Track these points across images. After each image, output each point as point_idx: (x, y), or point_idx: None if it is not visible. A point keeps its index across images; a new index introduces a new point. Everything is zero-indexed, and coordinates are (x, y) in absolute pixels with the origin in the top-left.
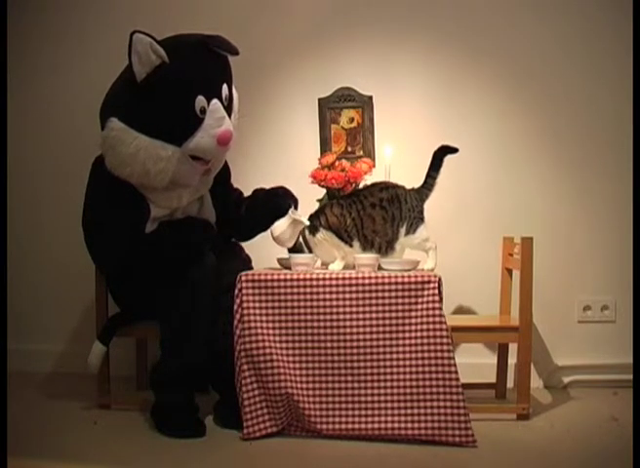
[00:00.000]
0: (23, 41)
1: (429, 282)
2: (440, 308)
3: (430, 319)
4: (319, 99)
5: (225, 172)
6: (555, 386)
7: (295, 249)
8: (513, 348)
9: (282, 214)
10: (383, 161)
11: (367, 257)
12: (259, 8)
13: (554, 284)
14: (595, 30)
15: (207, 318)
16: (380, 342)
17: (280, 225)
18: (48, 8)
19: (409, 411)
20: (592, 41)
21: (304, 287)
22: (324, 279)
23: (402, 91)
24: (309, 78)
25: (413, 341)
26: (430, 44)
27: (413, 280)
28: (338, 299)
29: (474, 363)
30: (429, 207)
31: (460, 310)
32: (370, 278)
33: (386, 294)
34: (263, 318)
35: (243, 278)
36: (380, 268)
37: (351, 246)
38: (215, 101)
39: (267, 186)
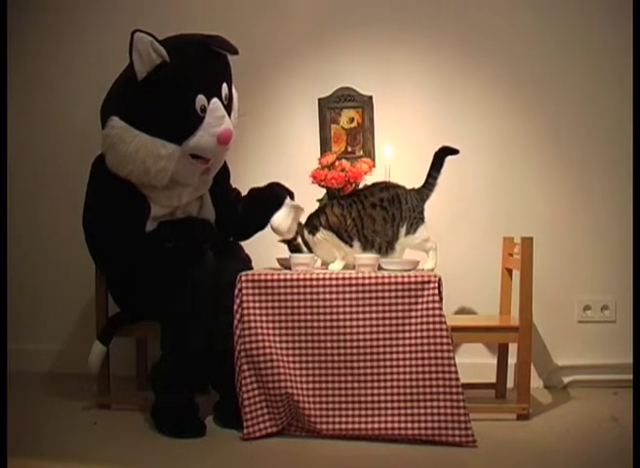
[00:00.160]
0: (23, 41)
1: (429, 282)
2: (440, 308)
3: (430, 319)
4: (319, 99)
5: (225, 172)
6: (555, 386)
7: (294, 248)
8: (513, 348)
9: (279, 204)
10: (383, 161)
11: (367, 257)
12: (259, 8)
13: (554, 284)
14: (595, 30)
15: (207, 318)
16: (380, 342)
17: (279, 215)
18: (48, 8)
19: (409, 411)
20: (592, 41)
21: (304, 287)
22: (324, 279)
23: (402, 91)
24: (309, 78)
25: (413, 341)
26: (430, 44)
27: (413, 280)
28: (338, 299)
29: (474, 363)
30: (429, 207)
31: (460, 310)
32: (370, 278)
33: (386, 294)
34: (263, 318)
35: (243, 278)
36: (380, 268)
37: (351, 246)
38: (215, 100)
39: None
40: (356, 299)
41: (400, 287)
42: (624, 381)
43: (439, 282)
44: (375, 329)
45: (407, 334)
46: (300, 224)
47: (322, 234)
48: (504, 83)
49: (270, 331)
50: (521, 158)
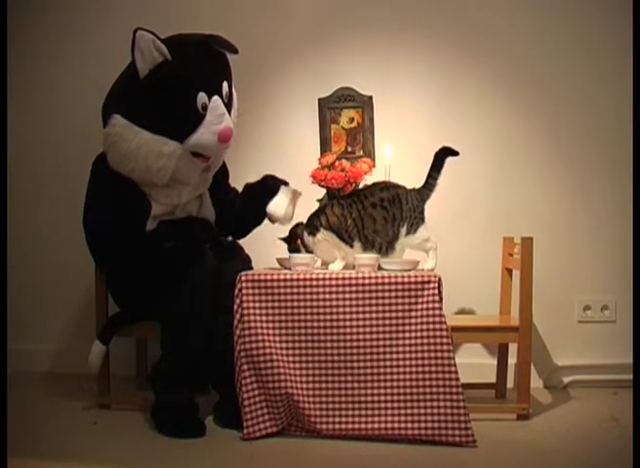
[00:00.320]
0: (23, 41)
1: (429, 282)
2: (440, 308)
3: (430, 319)
4: (319, 99)
5: (224, 172)
6: (555, 386)
7: (293, 249)
8: (513, 348)
9: (274, 192)
10: (383, 161)
11: (367, 257)
12: (259, 8)
13: (554, 284)
14: (595, 30)
15: (207, 318)
16: (380, 342)
17: (275, 201)
18: (48, 8)
19: (409, 411)
20: (592, 41)
21: (304, 287)
22: (324, 279)
23: (402, 91)
24: (309, 78)
25: (413, 341)
26: (430, 44)
27: (413, 280)
28: (338, 299)
29: (474, 363)
30: (430, 207)
31: (461, 310)
32: (370, 278)
33: (386, 294)
34: (263, 318)
35: (243, 278)
36: (380, 268)
37: (352, 246)
38: (216, 98)
39: None
40: (356, 299)
41: (400, 287)
42: (624, 381)
43: (439, 282)
44: (375, 329)
45: (407, 334)
46: (299, 226)
47: (322, 234)
48: (504, 83)
49: (270, 331)
50: (521, 158)
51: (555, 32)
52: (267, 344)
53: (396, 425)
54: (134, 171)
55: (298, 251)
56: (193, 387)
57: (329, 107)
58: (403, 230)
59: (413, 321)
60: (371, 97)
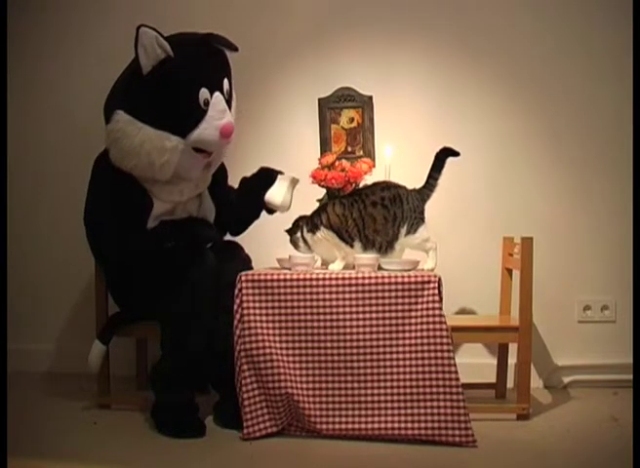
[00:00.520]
0: (23, 41)
1: (429, 282)
2: (440, 308)
3: (430, 319)
4: (319, 99)
5: (223, 172)
6: (555, 386)
7: (293, 240)
8: (513, 348)
9: (271, 182)
10: (383, 161)
11: (367, 258)
12: (259, 8)
13: (554, 284)
14: (595, 30)
15: (207, 318)
16: (380, 342)
17: (277, 190)
18: (48, 8)
19: (409, 411)
20: (592, 41)
21: (304, 287)
22: (324, 279)
23: (402, 91)
24: (309, 78)
25: (413, 341)
26: (430, 44)
27: (413, 280)
28: (338, 299)
29: (474, 363)
30: (430, 207)
31: (461, 310)
32: (370, 278)
33: (386, 294)
34: (263, 318)
35: (243, 278)
36: (380, 268)
37: (352, 246)
38: (217, 94)
39: None
40: (356, 299)
41: (400, 287)
42: (624, 381)
43: (439, 282)
44: (375, 329)
45: (407, 334)
46: (302, 219)
47: (322, 233)
48: (504, 83)
49: (270, 331)
50: (521, 158)
51: (555, 32)
52: (267, 344)
53: (396, 425)
54: (136, 167)
55: (297, 242)
56: (193, 387)
57: (329, 107)
58: (403, 230)
59: (413, 321)
60: (371, 97)
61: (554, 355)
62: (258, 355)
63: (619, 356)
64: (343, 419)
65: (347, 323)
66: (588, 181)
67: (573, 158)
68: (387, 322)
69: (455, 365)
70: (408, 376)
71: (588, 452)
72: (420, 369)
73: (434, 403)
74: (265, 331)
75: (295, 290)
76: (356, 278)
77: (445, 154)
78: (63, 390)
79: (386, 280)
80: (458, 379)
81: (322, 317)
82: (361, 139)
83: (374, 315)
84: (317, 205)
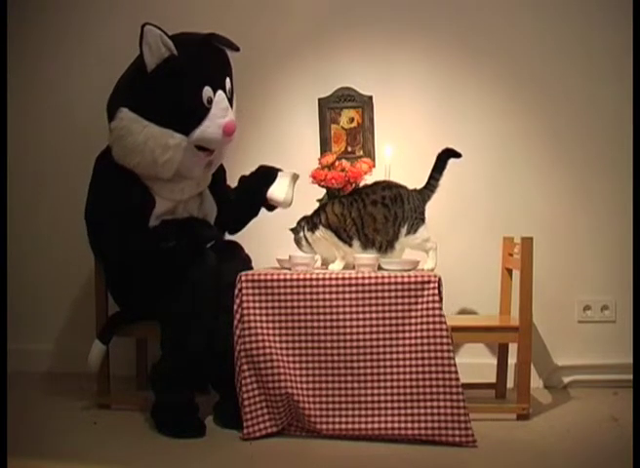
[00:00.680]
0: (23, 41)
1: (429, 282)
2: (440, 308)
3: (430, 319)
4: (319, 99)
5: (222, 171)
6: (555, 386)
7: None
8: (513, 348)
9: (273, 179)
10: (383, 161)
11: (367, 258)
12: (259, 8)
13: (554, 284)
14: (595, 30)
15: (207, 318)
16: (380, 342)
17: (279, 187)
18: (48, 8)
19: (409, 411)
20: (592, 41)
21: (304, 287)
22: (324, 279)
23: (402, 91)
24: (309, 78)
25: (413, 341)
26: (430, 44)
27: (413, 280)
28: (338, 299)
29: (474, 363)
30: (429, 207)
31: (461, 310)
32: (370, 278)
33: (386, 294)
34: (263, 318)
35: (243, 278)
36: (379, 268)
37: (351, 245)
38: (220, 92)
39: None
40: (356, 299)
41: (400, 287)
42: (624, 381)
43: (439, 282)
44: (375, 329)
45: (407, 334)
46: (305, 218)
47: (321, 232)
48: (504, 83)
49: (270, 331)
50: (521, 158)
51: (555, 32)
52: (267, 344)
53: (396, 425)
54: (139, 164)
55: (300, 242)
56: (193, 387)
57: (329, 107)
58: (403, 230)
59: (413, 321)
60: (371, 97)
61: (554, 355)
62: (258, 355)
63: (619, 356)
64: (343, 419)
65: (347, 323)
66: (588, 181)
67: (573, 158)
68: (387, 322)
69: (455, 365)
70: (408, 376)
71: (588, 452)
72: (420, 369)
73: (434, 403)
74: (265, 331)
75: (295, 290)
76: (356, 278)
77: (446, 155)
78: (63, 390)
79: (386, 280)
80: (458, 379)
81: (322, 317)
82: (361, 139)
83: (374, 315)
84: (317, 205)
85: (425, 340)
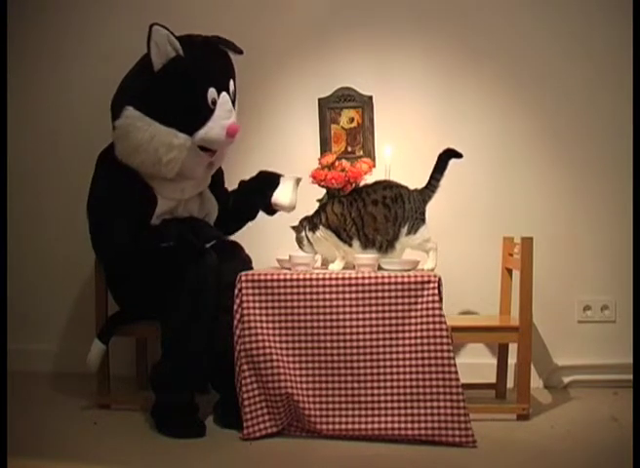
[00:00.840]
0: (23, 41)
1: (429, 282)
2: (440, 308)
3: (430, 319)
4: (319, 99)
5: (220, 174)
6: (555, 386)
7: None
8: (513, 348)
9: (275, 183)
10: (383, 161)
11: (367, 258)
12: (259, 8)
13: (554, 284)
14: (595, 30)
15: (207, 318)
16: (380, 342)
17: (283, 191)
18: (48, 8)
19: (409, 411)
20: (592, 41)
21: (304, 287)
22: (324, 279)
23: (402, 91)
24: (309, 78)
25: (413, 341)
26: (430, 44)
27: (413, 280)
28: (338, 299)
29: (474, 363)
30: (429, 207)
31: (461, 310)
32: (370, 278)
33: (386, 294)
34: (263, 318)
35: (243, 278)
36: (379, 268)
37: (351, 245)
38: (224, 94)
39: None
40: (356, 299)
41: (400, 287)
42: (624, 381)
43: (439, 282)
44: (375, 329)
45: (407, 334)
46: (307, 218)
47: (321, 232)
48: (504, 83)
49: (270, 331)
50: (521, 158)
51: (555, 32)
52: (267, 344)
53: (396, 425)
54: (143, 163)
55: (302, 241)
56: (193, 387)
57: (329, 107)
58: (404, 230)
59: (413, 321)
60: (371, 97)
61: (554, 355)
62: (258, 355)
63: (618, 356)
64: (343, 419)
65: (347, 323)
66: (588, 181)
67: (573, 158)
68: (387, 322)
69: (455, 365)
70: (408, 376)
71: (588, 452)
72: (420, 369)
73: (434, 403)
74: (265, 331)
75: (295, 290)
76: (356, 278)
77: (448, 155)
78: (64, 390)
79: (386, 280)
80: (458, 379)
81: (322, 317)
82: (361, 139)
83: (374, 315)
84: (317, 205)
85: (425, 340)
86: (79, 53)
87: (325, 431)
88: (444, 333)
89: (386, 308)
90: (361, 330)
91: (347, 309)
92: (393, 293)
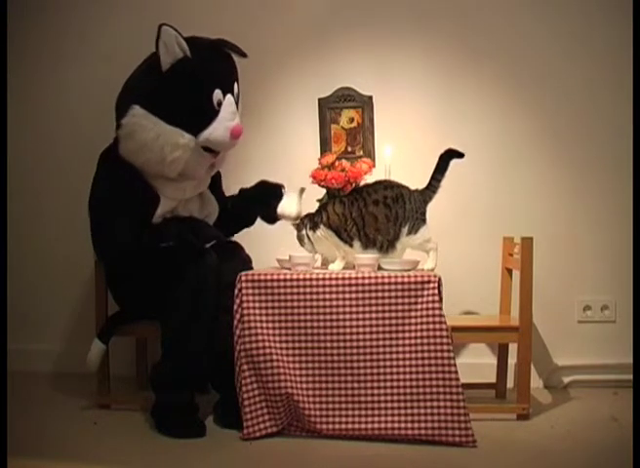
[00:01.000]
0: (23, 41)
1: (429, 282)
2: (440, 308)
3: (430, 319)
4: (319, 99)
5: (218, 177)
6: (555, 386)
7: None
8: (513, 348)
9: (278, 194)
10: (383, 161)
11: (367, 258)
12: (259, 8)
13: (554, 284)
14: (595, 30)
15: (207, 318)
16: (380, 342)
17: (289, 202)
18: (48, 8)
19: (409, 411)
20: (592, 41)
21: (304, 287)
22: (324, 279)
23: (402, 91)
24: (309, 78)
25: (413, 341)
26: (430, 44)
27: (413, 280)
28: (338, 299)
29: (474, 363)
30: (429, 206)
31: (461, 310)
32: (370, 278)
33: (386, 294)
34: (263, 318)
35: (243, 278)
36: (380, 268)
37: (351, 246)
38: (229, 96)
39: None
40: (356, 299)
41: (400, 287)
42: (624, 381)
43: (439, 282)
44: (375, 329)
45: (407, 334)
46: (308, 216)
47: (322, 232)
48: (504, 83)
49: (270, 331)
50: (521, 158)
51: (555, 32)
52: (267, 344)
53: (396, 425)
54: (148, 161)
55: (303, 239)
56: (193, 387)
57: (329, 107)
58: (404, 230)
59: (413, 321)
60: (371, 97)
61: (554, 355)
62: (258, 355)
63: (618, 356)
64: (343, 419)
65: (347, 323)
66: (588, 181)
67: (573, 158)
68: (387, 322)
69: (455, 365)
70: (408, 376)
71: (588, 452)
72: (420, 369)
73: (434, 403)
74: (265, 331)
75: (295, 290)
76: (356, 278)
77: (449, 156)
78: (64, 390)
79: (386, 280)
80: (458, 379)
81: (322, 317)
82: (361, 139)
83: (374, 315)
84: (317, 205)
85: (425, 340)
86: (79, 53)
87: (325, 431)
88: (444, 333)
89: (386, 308)
90: (361, 330)
91: (347, 309)
92: (393, 293)
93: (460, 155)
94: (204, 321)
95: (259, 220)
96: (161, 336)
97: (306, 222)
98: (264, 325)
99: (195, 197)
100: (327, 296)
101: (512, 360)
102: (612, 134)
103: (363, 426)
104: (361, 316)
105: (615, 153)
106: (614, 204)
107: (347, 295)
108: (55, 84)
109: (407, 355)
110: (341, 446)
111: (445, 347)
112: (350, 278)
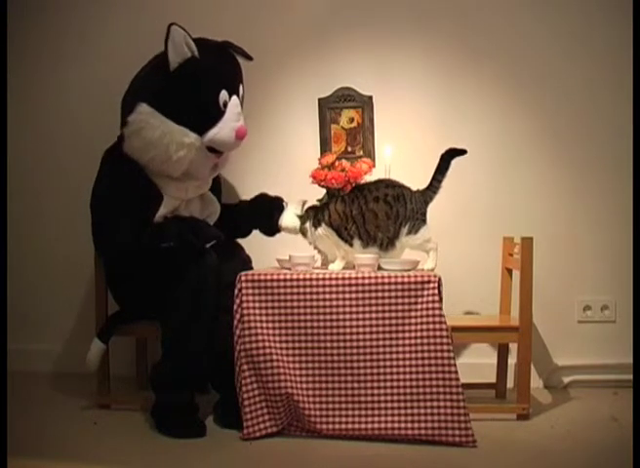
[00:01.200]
0: (24, 41)
1: (429, 282)
2: (440, 308)
3: (430, 319)
4: (319, 99)
5: (218, 183)
6: (555, 386)
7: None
8: (513, 348)
9: (280, 207)
10: (383, 161)
11: (367, 258)
12: (259, 8)
13: (554, 284)
14: (595, 30)
15: (207, 318)
16: (380, 342)
17: (291, 215)
18: (48, 8)
19: (409, 411)
20: (592, 41)
21: (304, 287)
22: (324, 279)
23: (402, 91)
24: (309, 78)
25: (413, 341)
26: (430, 44)
27: (413, 280)
28: (338, 299)
29: (474, 363)
30: (429, 207)
31: (461, 310)
32: (370, 278)
33: (386, 294)
34: (263, 318)
35: (243, 278)
36: (379, 268)
37: (352, 245)
38: (234, 97)
39: (266, 187)
40: (356, 299)
41: (400, 287)
42: (624, 381)
43: (439, 282)
44: (375, 329)
45: (407, 334)
46: (312, 208)
47: (323, 230)
48: (504, 83)
49: (270, 331)
50: (521, 158)
51: (555, 32)
52: (267, 344)
53: (396, 425)
54: (154, 159)
55: (305, 233)
56: (193, 387)
57: (329, 107)
58: (405, 229)
59: (413, 321)
60: (371, 97)
61: (554, 355)
62: (258, 355)
63: (618, 356)
64: (343, 419)
65: (347, 323)
66: (588, 181)
67: (573, 158)
68: (387, 322)
69: (455, 365)
70: (408, 376)
71: (588, 452)
72: (420, 369)
73: (434, 403)
74: (265, 331)
75: (295, 290)
76: (356, 278)
77: (450, 155)
78: (64, 390)
79: (386, 280)
80: (458, 379)
81: (322, 317)
82: (361, 139)
83: (374, 315)
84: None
85: (425, 340)
86: (79, 53)
87: (325, 431)
88: (444, 333)
89: (386, 308)
90: (361, 330)
91: (347, 309)
92: (393, 293)
93: (463, 152)
94: (204, 321)
95: None
96: (161, 336)
97: (311, 214)
98: (264, 325)
99: (197, 198)
100: (327, 296)
101: (512, 360)
102: (612, 134)
103: (363, 426)
104: (361, 316)
105: (615, 153)
106: (614, 204)
107: (347, 295)
108: (55, 84)
109: (407, 355)
110: (341, 446)
111: (445, 347)
112: (350, 278)
